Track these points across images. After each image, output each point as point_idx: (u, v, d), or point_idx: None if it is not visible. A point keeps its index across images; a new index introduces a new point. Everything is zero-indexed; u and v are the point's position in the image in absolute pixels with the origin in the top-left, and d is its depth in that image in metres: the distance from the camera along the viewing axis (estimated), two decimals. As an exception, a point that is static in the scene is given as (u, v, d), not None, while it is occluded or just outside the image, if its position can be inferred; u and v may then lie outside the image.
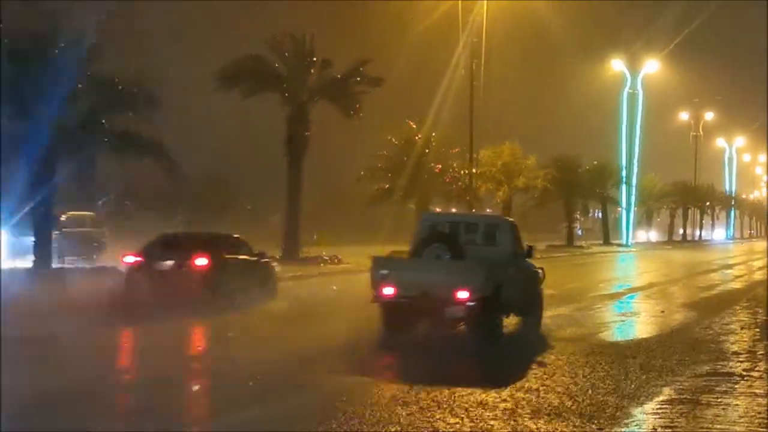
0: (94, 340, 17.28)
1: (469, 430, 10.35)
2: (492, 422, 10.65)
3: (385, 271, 18.96)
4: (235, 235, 27.40)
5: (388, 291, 18.57)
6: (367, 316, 18.83)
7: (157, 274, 23.61)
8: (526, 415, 10.99)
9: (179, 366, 14.70)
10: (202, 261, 23.74)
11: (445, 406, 11.46)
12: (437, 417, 10.79)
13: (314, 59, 45.30)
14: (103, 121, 32.03)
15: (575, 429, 10.35)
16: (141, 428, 10.65)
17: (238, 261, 25.35)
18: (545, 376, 13.80)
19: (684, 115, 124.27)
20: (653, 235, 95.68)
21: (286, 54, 45.22)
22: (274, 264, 28.86)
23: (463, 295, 17.75)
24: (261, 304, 23.98)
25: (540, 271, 21.66)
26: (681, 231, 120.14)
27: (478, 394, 12.14)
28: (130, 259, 24.42)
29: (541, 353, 16.31)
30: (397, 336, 18.25)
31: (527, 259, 21.07)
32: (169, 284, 23.38)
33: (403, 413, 10.93)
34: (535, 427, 10.47)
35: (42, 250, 30.54)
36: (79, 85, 31.22)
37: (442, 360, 15.89)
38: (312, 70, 45.42)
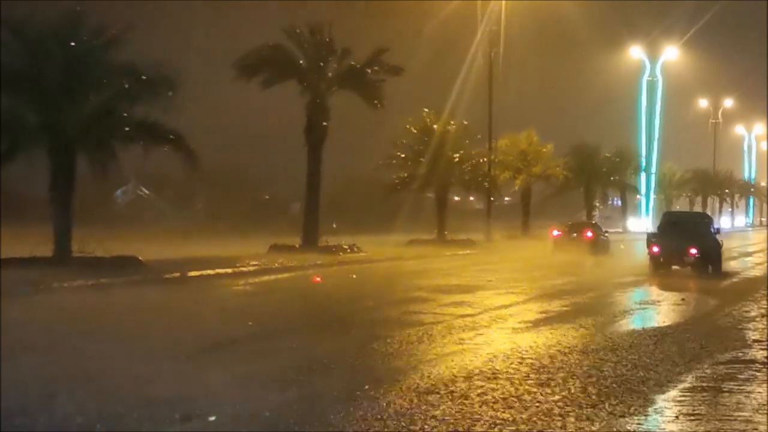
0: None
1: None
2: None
3: (654, 239, 36.50)
4: (595, 222, 62.05)
5: (655, 249, 35.92)
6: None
7: (571, 240, 51.94)
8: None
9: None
10: (590, 234, 52.93)
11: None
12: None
13: (333, 48, 45.25)
14: (124, 113, 32.13)
15: (595, 418, 10.33)
16: None
17: (600, 234, 53.71)
18: (571, 363, 13.81)
19: (703, 103, 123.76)
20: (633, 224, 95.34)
21: (305, 43, 45.18)
22: (604, 237, 53.85)
23: (693, 251, 35.21)
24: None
25: (721, 241, 37.38)
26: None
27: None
28: (556, 232, 54.21)
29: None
30: (660, 271, 35.18)
31: (716, 235, 37.47)
32: (576, 246, 49.77)
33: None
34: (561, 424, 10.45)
35: (63, 241, 30.62)
36: (100, 75, 31.33)
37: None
38: (331, 59, 45.37)
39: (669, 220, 39.90)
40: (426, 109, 58.29)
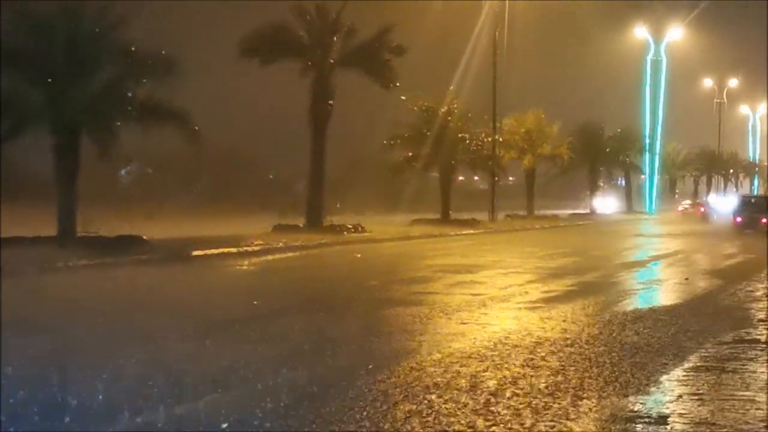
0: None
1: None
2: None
3: (736, 213, 55.03)
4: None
5: (738, 219, 53.93)
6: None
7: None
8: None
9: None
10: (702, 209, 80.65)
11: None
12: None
13: (339, 26, 45.14)
14: (128, 93, 32.13)
15: (600, 399, 10.31)
16: None
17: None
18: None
19: (708, 82, 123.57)
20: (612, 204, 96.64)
21: (311, 21, 45.10)
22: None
23: (764, 221, 51.08)
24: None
25: None
26: (705, 198, 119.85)
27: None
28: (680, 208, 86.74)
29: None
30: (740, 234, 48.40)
31: None
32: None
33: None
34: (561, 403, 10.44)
35: (67, 221, 30.63)
36: (104, 54, 31.33)
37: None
38: (336, 38, 45.29)
39: (745, 201, 60.11)
40: (431, 89, 58.29)
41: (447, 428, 8.95)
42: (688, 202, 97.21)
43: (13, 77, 30.68)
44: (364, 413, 9.41)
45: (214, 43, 66.27)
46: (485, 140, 60.41)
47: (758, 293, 21.19)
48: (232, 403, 9.83)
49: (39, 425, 8.86)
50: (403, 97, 56.13)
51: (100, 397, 9.92)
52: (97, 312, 16.62)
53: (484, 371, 11.61)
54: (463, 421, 9.18)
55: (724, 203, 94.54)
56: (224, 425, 8.94)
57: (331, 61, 45.20)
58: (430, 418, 9.25)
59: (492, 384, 10.86)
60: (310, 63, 44.84)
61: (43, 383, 10.51)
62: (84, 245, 28.83)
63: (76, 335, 13.93)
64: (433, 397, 10.16)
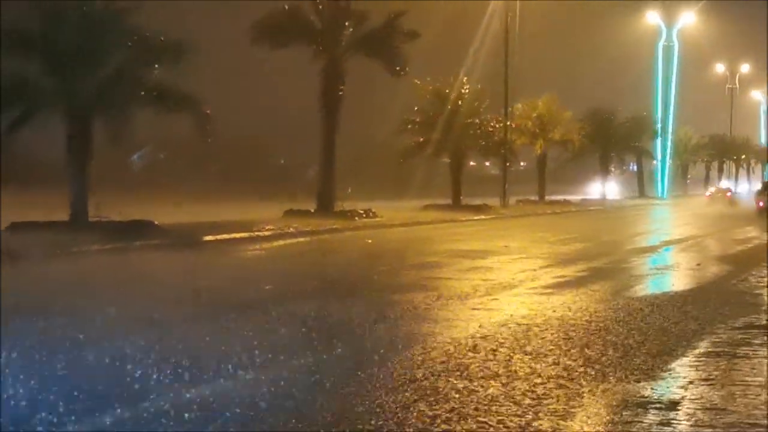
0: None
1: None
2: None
3: (759, 197, 55.62)
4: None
5: (761, 204, 53.74)
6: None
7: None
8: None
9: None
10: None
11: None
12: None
13: (350, 11, 45.11)
14: (139, 78, 32.18)
15: (611, 384, 10.33)
16: None
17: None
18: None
19: (720, 68, 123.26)
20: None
21: (321, 5, 45.08)
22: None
23: None
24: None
25: None
26: (719, 184, 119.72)
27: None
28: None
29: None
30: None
31: None
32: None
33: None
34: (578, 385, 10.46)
35: (79, 205, 30.71)
36: (115, 39, 31.37)
37: None
38: (348, 23, 45.25)
39: None
40: (441, 75, 58.21)
41: (455, 412, 8.98)
42: (715, 187, 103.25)
43: (23, 62, 30.77)
44: (372, 398, 9.45)
45: (226, 28, 66.20)
46: (496, 125, 60.36)
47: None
48: (244, 387, 9.87)
49: (58, 408, 8.88)
50: (417, 81, 56.14)
51: (116, 378, 9.96)
52: (109, 295, 16.66)
53: (494, 356, 11.63)
54: (472, 406, 9.21)
55: (748, 188, 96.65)
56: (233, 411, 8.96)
57: (343, 46, 45.18)
58: (438, 404, 9.28)
59: (501, 369, 10.88)
60: (321, 48, 44.82)
61: (61, 367, 10.53)
62: (96, 230, 28.91)
63: (89, 318, 13.96)
64: (441, 382, 10.19)
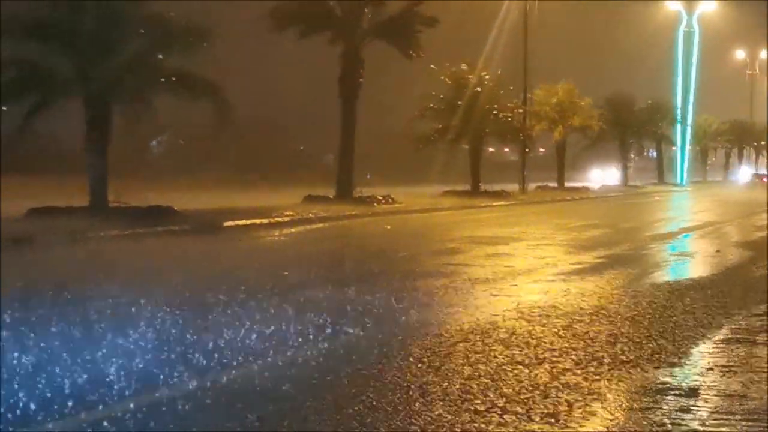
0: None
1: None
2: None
3: None
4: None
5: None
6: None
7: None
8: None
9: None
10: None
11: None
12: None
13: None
14: (158, 63, 32.24)
15: (630, 371, 10.32)
16: None
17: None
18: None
19: (740, 54, 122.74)
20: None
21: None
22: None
23: None
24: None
25: None
26: (757, 170, 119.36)
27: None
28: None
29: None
30: None
31: None
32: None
33: None
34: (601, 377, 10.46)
35: (98, 190, 30.79)
36: (134, 25, 31.42)
37: None
38: (367, 9, 45.20)
39: None
40: (461, 61, 58.10)
41: (470, 400, 8.98)
42: (754, 172, 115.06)
43: (42, 48, 30.85)
44: (391, 383, 9.47)
45: (245, 13, 66.21)
46: (516, 111, 60.27)
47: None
48: (265, 371, 9.91)
49: (80, 391, 8.91)
50: (433, 66, 56.06)
51: (140, 362, 10.00)
52: (128, 280, 16.69)
53: (514, 343, 11.63)
54: (489, 393, 9.21)
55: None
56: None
57: (362, 31, 45.16)
58: (454, 387, 9.29)
59: (521, 356, 10.88)
60: (341, 34, 44.80)
61: (83, 351, 10.57)
62: (116, 215, 28.99)
63: (110, 302, 13.99)
64: (464, 367, 10.20)
